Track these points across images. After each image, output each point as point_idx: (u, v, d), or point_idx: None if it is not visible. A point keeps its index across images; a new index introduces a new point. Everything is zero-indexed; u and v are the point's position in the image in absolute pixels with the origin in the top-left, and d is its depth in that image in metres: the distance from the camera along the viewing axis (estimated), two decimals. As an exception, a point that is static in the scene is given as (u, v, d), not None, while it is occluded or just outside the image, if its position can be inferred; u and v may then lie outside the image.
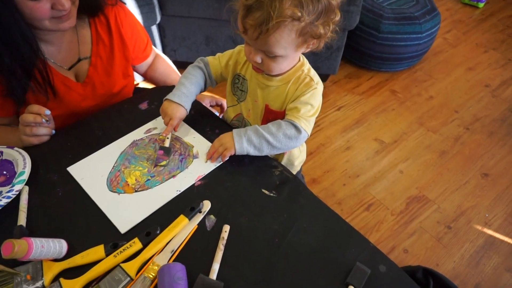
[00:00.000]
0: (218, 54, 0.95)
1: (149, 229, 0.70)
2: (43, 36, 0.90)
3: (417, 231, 1.58)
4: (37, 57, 0.87)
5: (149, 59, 1.17)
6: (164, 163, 0.84)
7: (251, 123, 0.93)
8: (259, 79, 0.86)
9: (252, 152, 0.82)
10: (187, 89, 0.90)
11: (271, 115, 0.89)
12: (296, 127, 0.81)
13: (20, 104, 0.87)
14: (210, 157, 0.84)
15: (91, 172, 0.82)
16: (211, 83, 0.97)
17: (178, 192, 0.79)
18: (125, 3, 1.05)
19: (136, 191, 0.79)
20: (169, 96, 0.89)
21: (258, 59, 0.76)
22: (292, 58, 0.80)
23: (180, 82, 0.91)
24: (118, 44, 1.02)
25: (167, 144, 0.87)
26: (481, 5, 2.92)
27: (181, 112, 0.88)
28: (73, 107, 0.98)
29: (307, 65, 0.86)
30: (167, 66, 1.22)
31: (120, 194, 0.78)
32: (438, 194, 1.72)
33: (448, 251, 1.52)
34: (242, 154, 0.82)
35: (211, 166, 0.84)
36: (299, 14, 0.67)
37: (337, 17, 0.73)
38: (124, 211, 0.75)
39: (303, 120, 0.82)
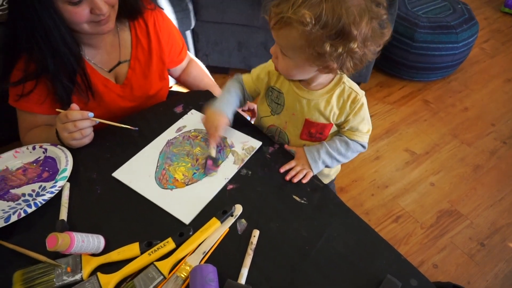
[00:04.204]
0: (253, 69, 0.96)
1: (182, 230, 0.72)
2: (86, 40, 0.94)
3: (448, 246, 1.53)
4: (78, 61, 0.90)
5: (184, 63, 1.20)
6: (214, 174, 0.85)
7: (288, 134, 0.93)
8: (299, 93, 0.85)
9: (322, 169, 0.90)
10: (227, 99, 0.92)
11: (313, 128, 0.89)
12: (362, 145, 0.91)
13: (65, 104, 0.92)
14: (291, 177, 0.84)
15: (136, 175, 0.84)
16: (248, 97, 1.00)
17: (227, 180, 0.83)
18: (163, 9, 1.09)
19: (187, 185, 0.82)
20: (211, 105, 0.90)
21: (274, 51, 0.78)
22: (303, 69, 0.76)
23: (221, 94, 0.94)
24: (156, 48, 1.05)
25: (213, 154, 0.86)
26: (522, 14, 2.81)
27: (225, 121, 0.89)
28: (112, 107, 1.03)
29: (345, 77, 0.84)
30: (200, 71, 1.25)
31: (173, 190, 0.81)
32: (471, 209, 1.66)
33: (480, 269, 1.46)
34: None
35: (250, 154, 0.88)
36: (308, 20, 0.64)
37: (357, 49, 0.67)
38: (183, 204, 0.78)
39: (365, 136, 0.90)
